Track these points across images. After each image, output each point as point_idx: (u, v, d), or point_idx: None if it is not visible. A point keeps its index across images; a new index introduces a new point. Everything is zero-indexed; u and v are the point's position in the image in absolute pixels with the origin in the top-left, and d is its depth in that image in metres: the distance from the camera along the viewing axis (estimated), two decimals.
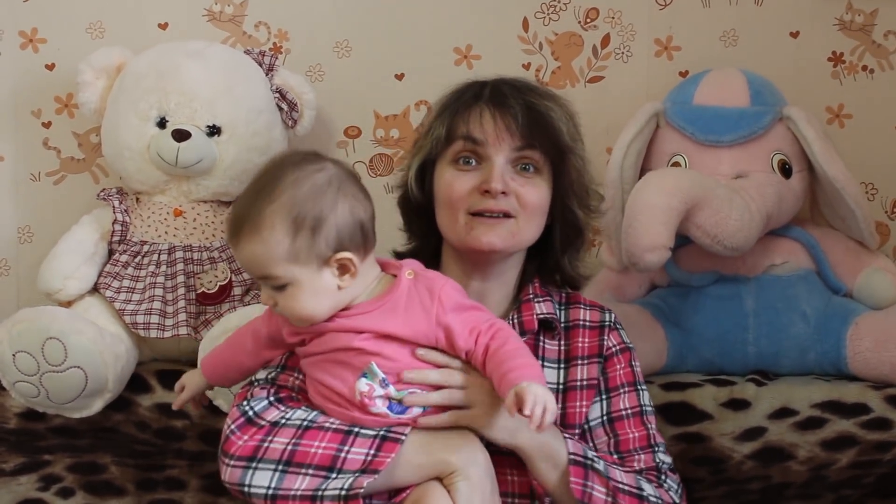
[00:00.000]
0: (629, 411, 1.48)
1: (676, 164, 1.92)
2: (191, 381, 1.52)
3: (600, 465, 1.38)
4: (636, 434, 1.47)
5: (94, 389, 1.71)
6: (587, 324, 1.51)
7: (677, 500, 1.45)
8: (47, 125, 2.11)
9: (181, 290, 1.83)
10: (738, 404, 1.74)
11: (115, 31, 2.09)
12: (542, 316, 1.48)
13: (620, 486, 1.38)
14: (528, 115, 1.44)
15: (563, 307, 1.53)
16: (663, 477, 1.46)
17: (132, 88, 1.91)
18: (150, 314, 1.81)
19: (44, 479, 1.85)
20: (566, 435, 1.38)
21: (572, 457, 1.35)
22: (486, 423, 1.34)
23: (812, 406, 1.74)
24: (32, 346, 1.67)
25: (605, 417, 1.47)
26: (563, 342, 1.50)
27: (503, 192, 1.42)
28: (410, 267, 1.37)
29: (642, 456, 1.46)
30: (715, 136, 1.90)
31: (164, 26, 2.10)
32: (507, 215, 1.43)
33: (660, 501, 1.41)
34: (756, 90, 1.93)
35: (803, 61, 2.08)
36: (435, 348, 1.34)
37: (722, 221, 1.74)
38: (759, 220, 1.79)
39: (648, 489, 1.41)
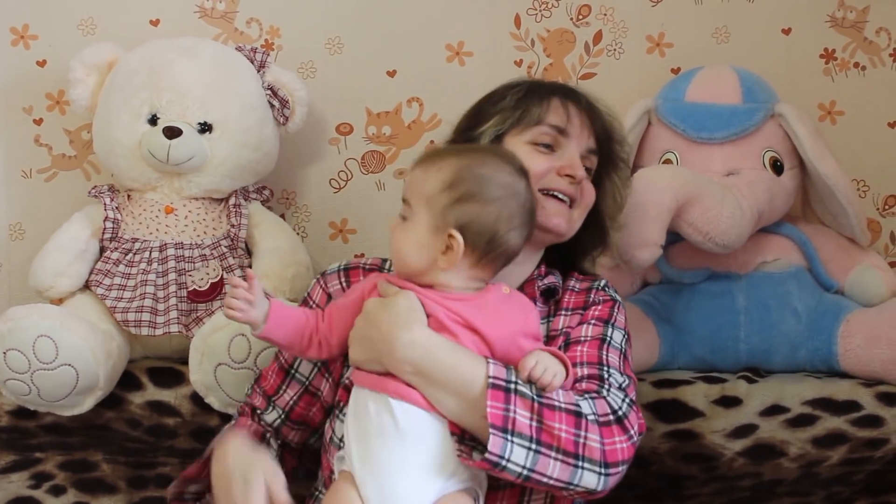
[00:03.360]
0: (588, 338, 1.44)
1: (668, 162, 1.92)
2: (257, 303, 1.39)
3: (527, 387, 1.29)
4: (586, 352, 1.41)
5: (86, 387, 1.71)
6: (577, 287, 1.54)
7: (617, 409, 1.33)
8: (38, 122, 2.11)
9: (172, 288, 1.83)
10: (730, 401, 1.74)
11: (106, 28, 2.08)
12: (543, 286, 1.52)
13: (553, 402, 1.28)
14: (604, 126, 1.57)
15: (561, 279, 1.56)
16: (606, 387, 1.36)
17: (123, 85, 1.90)
18: (142, 311, 1.80)
19: (35, 477, 1.85)
20: (492, 360, 1.31)
21: (492, 380, 1.27)
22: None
23: (803, 403, 1.73)
24: (23, 343, 1.66)
25: (562, 345, 1.45)
26: (551, 303, 1.52)
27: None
28: (507, 285, 1.41)
29: (586, 370, 1.39)
30: (707, 133, 1.90)
31: (155, 23, 2.09)
32: (572, 202, 1.51)
33: (596, 418, 1.30)
34: (748, 87, 1.93)
35: (795, 58, 2.08)
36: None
37: (713, 219, 1.74)
38: (750, 218, 1.79)
39: (587, 407, 1.30)
